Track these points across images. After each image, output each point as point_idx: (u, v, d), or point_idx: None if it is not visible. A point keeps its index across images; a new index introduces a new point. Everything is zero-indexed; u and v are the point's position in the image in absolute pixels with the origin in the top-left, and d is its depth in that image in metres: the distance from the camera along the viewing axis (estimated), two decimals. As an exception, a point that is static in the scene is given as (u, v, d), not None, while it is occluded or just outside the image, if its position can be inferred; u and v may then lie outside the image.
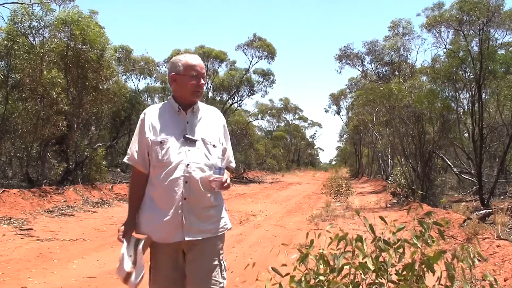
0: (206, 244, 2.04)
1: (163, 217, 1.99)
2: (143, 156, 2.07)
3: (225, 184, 2.00)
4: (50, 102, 10.54)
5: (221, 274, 2.07)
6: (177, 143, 2.03)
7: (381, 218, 1.99)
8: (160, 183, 2.01)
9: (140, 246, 2.03)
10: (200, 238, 2.02)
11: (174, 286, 2.06)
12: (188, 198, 1.98)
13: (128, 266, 1.98)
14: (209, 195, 2.04)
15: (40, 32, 11.06)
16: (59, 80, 10.51)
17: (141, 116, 2.15)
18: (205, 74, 2.16)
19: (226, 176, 2.02)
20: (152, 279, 2.09)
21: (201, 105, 2.20)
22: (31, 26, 10.81)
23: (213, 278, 2.03)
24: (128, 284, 2.00)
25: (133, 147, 2.12)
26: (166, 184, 1.99)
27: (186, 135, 2.05)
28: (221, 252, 2.12)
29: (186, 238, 1.98)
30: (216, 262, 2.06)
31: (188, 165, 1.99)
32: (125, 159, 2.17)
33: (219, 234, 2.10)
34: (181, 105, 2.11)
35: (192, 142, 2.04)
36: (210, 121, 2.17)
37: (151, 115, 2.12)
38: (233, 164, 2.29)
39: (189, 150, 2.02)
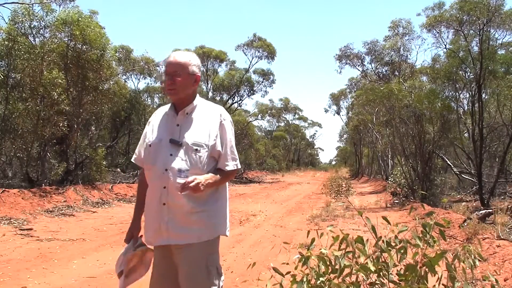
0: (191, 249, 1.98)
1: (149, 220, 2.06)
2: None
3: (187, 186, 1.85)
4: (51, 102, 10.54)
5: (210, 279, 1.99)
6: (163, 147, 2.01)
7: (384, 218, 1.98)
8: (148, 185, 2.07)
9: (135, 250, 2.15)
10: (183, 243, 1.98)
11: (165, 283, 2.07)
12: (167, 203, 1.96)
13: (118, 268, 2.14)
14: (188, 200, 1.93)
15: (40, 32, 11.07)
16: (60, 81, 10.50)
17: (151, 116, 2.21)
18: (177, 70, 2.01)
19: (192, 179, 1.87)
20: (151, 278, 2.14)
21: (201, 104, 2.11)
22: (32, 26, 10.82)
23: (197, 282, 1.98)
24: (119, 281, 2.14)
25: (139, 147, 2.17)
26: (150, 188, 2.06)
27: (172, 139, 2.00)
28: (211, 257, 2.03)
29: (166, 243, 1.99)
30: (201, 267, 1.98)
31: (167, 170, 1.95)
32: (132, 159, 2.22)
33: (205, 240, 2.00)
34: (176, 106, 2.09)
35: (177, 146, 1.98)
36: (202, 123, 2.05)
37: (156, 116, 2.17)
38: (230, 168, 2.07)
39: (171, 155, 1.98)
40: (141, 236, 2.17)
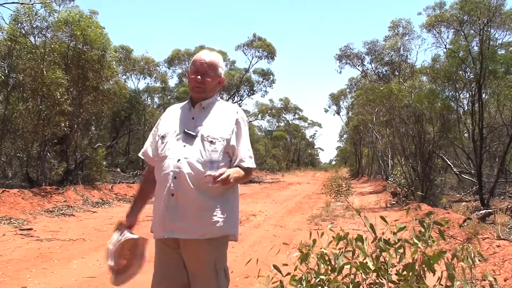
0: (196, 247, 1.92)
1: (155, 211, 2.01)
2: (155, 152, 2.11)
3: (218, 179, 1.80)
4: (52, 102, 10.53)
5: (218, 280, 1.96)
6: (176, 138, 2.00)
7: (382, 218, 1.99)
8: (157, 178, 2.03)
9: (117, 239, 2.03)
10: (184, 238, 1.92)
11: (169, 282, 2.01)
12: (176, 194, 1.91)
13: (109, 261, 1.99)
14: (198, 193, 1.89)
15: (42, 32, 11.09)
16: (63, 81, 10.50)
17: (164, 112, 2.21)
18: (209, 70, 2.02)
19: (223, 171, 1.84)
20: (154, 274, 2.07)
21: (218, 102, 2.13)
22: (34, 26, 10.83)
23: (206, 283, 1.95)
24: (111, 278, 2.02)
25: (147, 142, 2.16)
26: (160, 179, 2.00)
27: (186, 130, 1.99)
28: (219, 258, 1.99)
29: (171, 235, 1.93)
30: (210, 267, 1.94)
31: (179, 160, 1.93)
32: (140, 153, 2.19)
33: (209, 238, 1.92)
34: (192, 101, 2.09)
35: (191, 138, 1.97)
36: (217, 117, 2.04)
37: (168, 111, 2.18)
38: (245, 164, 2.01)
39: (184, 146, 1.96)
40: (131, 227, 2.11)
